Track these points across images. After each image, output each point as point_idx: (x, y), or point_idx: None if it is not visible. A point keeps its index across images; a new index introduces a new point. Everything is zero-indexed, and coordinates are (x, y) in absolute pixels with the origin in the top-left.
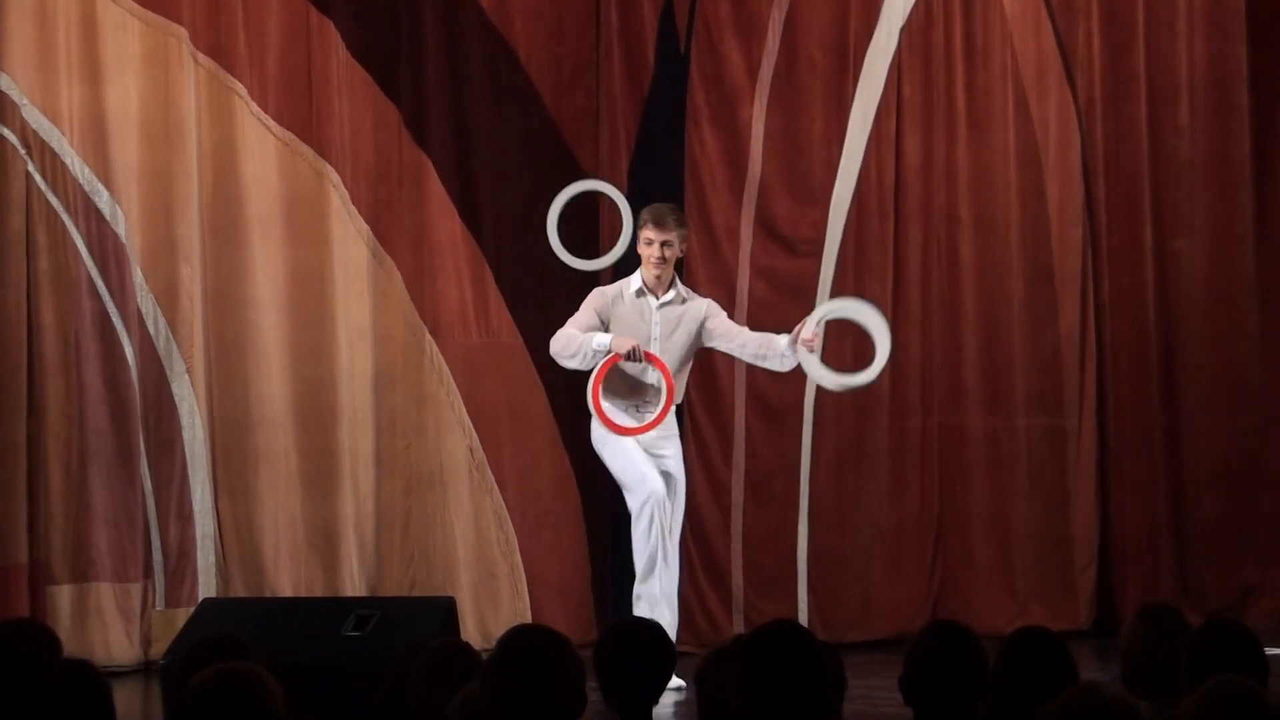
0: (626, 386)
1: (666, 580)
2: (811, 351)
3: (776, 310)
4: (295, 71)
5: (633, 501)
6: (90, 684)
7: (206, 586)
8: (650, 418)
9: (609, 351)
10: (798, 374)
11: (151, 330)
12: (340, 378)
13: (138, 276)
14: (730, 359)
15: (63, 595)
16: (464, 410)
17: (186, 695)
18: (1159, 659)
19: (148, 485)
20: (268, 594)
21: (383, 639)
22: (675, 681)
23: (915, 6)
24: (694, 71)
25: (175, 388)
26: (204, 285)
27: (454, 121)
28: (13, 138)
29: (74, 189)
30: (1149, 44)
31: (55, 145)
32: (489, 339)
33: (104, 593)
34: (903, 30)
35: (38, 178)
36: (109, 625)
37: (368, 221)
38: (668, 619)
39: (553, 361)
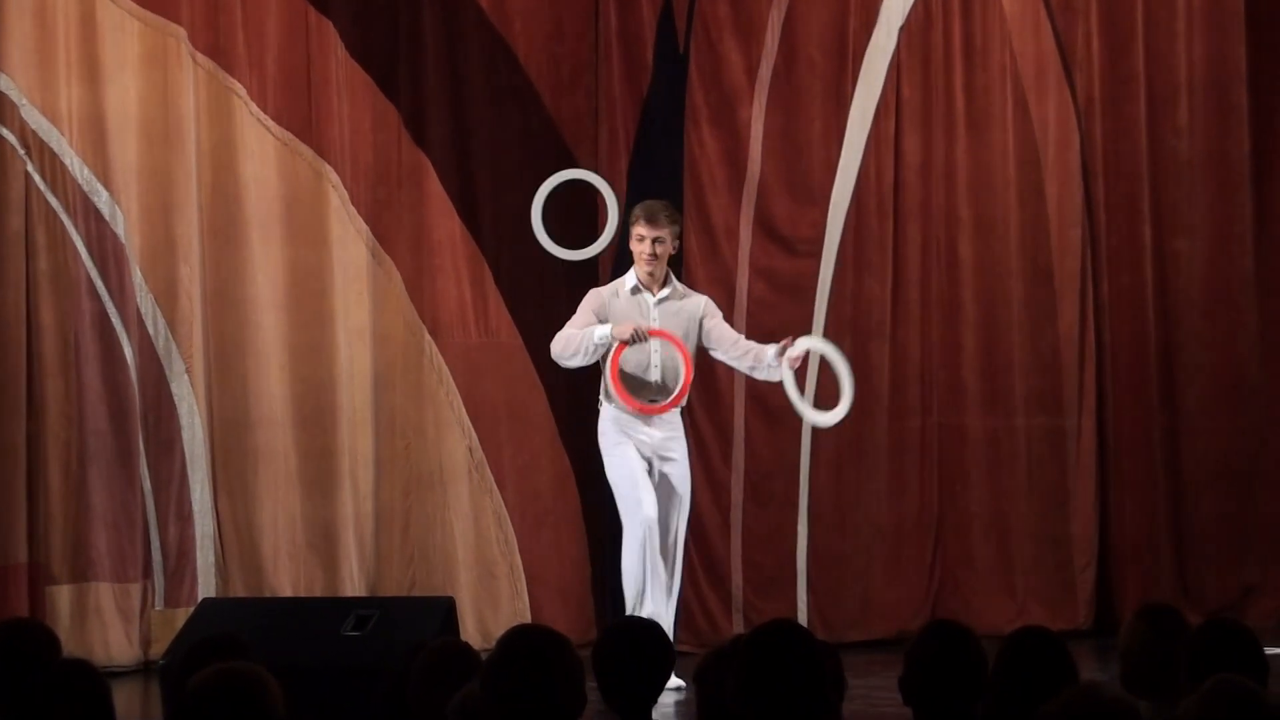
0: (630, 386)
1: (662, 587)
2: (792, 369)
3: (776, 310)
4: (294, 72)
5: (625, 522)
6: (90, 684)
7: (206, 586)
8: (658, 416)
9: (611, 340)
10: (796, 372)
11: (151, 330)
12: (340, 378)
13: (137, 277)
14: None
15: (62, 595)
16: (463, 410)
17: (186, 695)
18: (1158, 659)
19: (147, 485)
20: (267, 594)
21: (382, 639)
22: (675, 681)
23: (914, 6)
24: (693, 71)
25: (174, 388)
26: (203, 285)
27: (453, 122)
28: (12, 138)
29: (73, 189)
30: (1148, 44)
31: (54, 145)
32: (488, 339)
33: (103, 593)
34: (902, 30)
35: (37, 178)
36: (108, 625)
37: (367, 221)
38: (665, 617)
39: (552, 361)
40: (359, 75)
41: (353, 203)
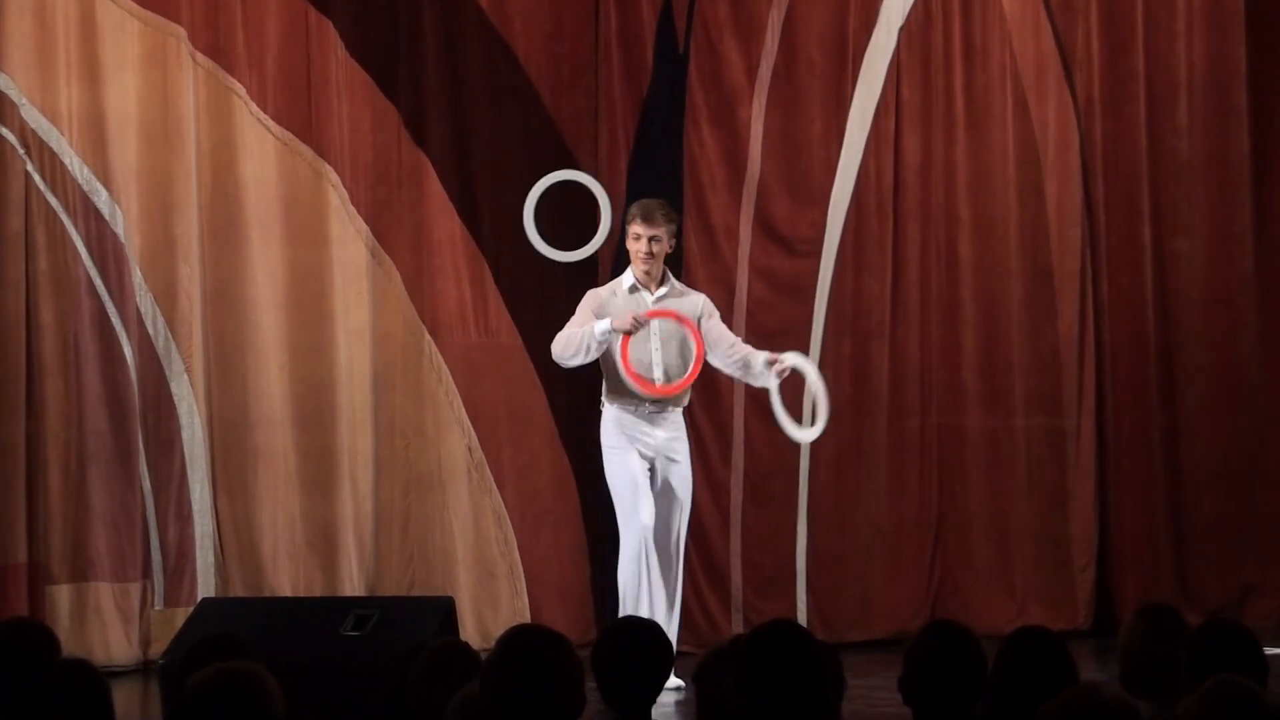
0: (634, 386)
1: (663, 598)
2: (778, 378)
3: (776, 310)
4: (294, 71)
5: (622, 529)
6: (89, 684)
7: (205, 586)
8: (661, 416)
9: (612, 333)
10: (796, 373)
11: (150, 330)
12: (339, 378)
13: (137, 276)
14: None
15: (62, 595)
16: (463, 410)
17: (185, 695)
18: (1158, 659)
19: (147, 485)
20: (267, 594)
21: (382, 639)
22: (674, 681)
23: (914, 6)
24: (693, 71)
25: (174, 387)
26: (203, 285)
27: (453, 122)
28: (12, 138)
29: (73, 189)
30: (1148, 44)
31: (54, 145)
32: (488, 339)
33: (103, 592)
34: (902, 30)
35: (37, 178)
36: (108, 625)
37: (367, 221)
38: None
39: (552, 361)
40: (359, 75)
41: (352, 203)
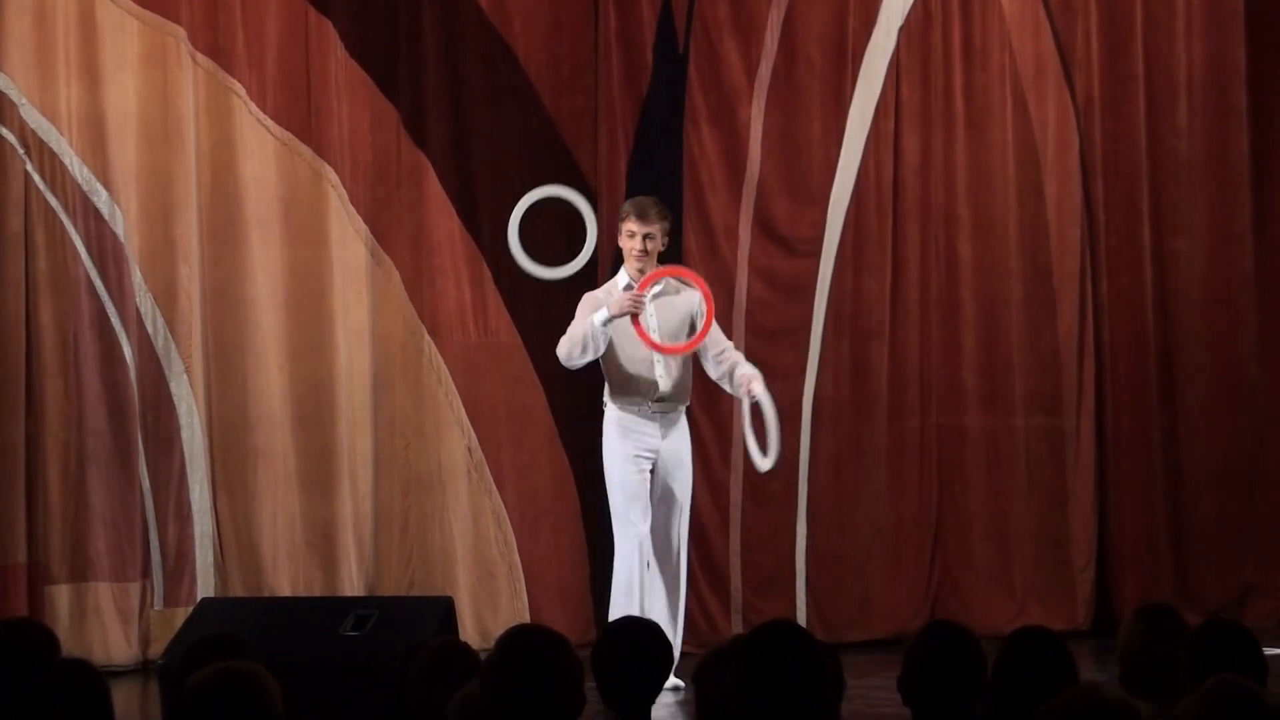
0: (636, 386)
1: (663, 604)
2: (749, 398)
3: (775, 310)
4: (294, 71)
5: (617, 534)
6: (89, 683)
7: (205, 586)
8: (663, 416)
9: (610, 321)
10: (795, 373)
11: (150, 330)
12: (339, 378)
13: (136, 276)
14: None
15: (61, 595)
16: (462, 410)
17: (185, 695)
18: (1157, 659)
19: (146, 485)
20: (266, 594)
21: (381, 639)
22: (674, 681)
23: (914, 6)
24: (692, 71)
25: (174, 387)
26: (202, 285)
27: (453, 122)
28: (11, 138)
29: (72, 189)
30: (1147, 44)
31: (54, 145)
32: (487, 339)
33: (102, 592)
34: (901, 30)
35: (36, 178)
36: (107, 625)
37: (366, 221)
38: (670, 626)
39: (551, 361)
40: (358, 75)
41: (352, 203)
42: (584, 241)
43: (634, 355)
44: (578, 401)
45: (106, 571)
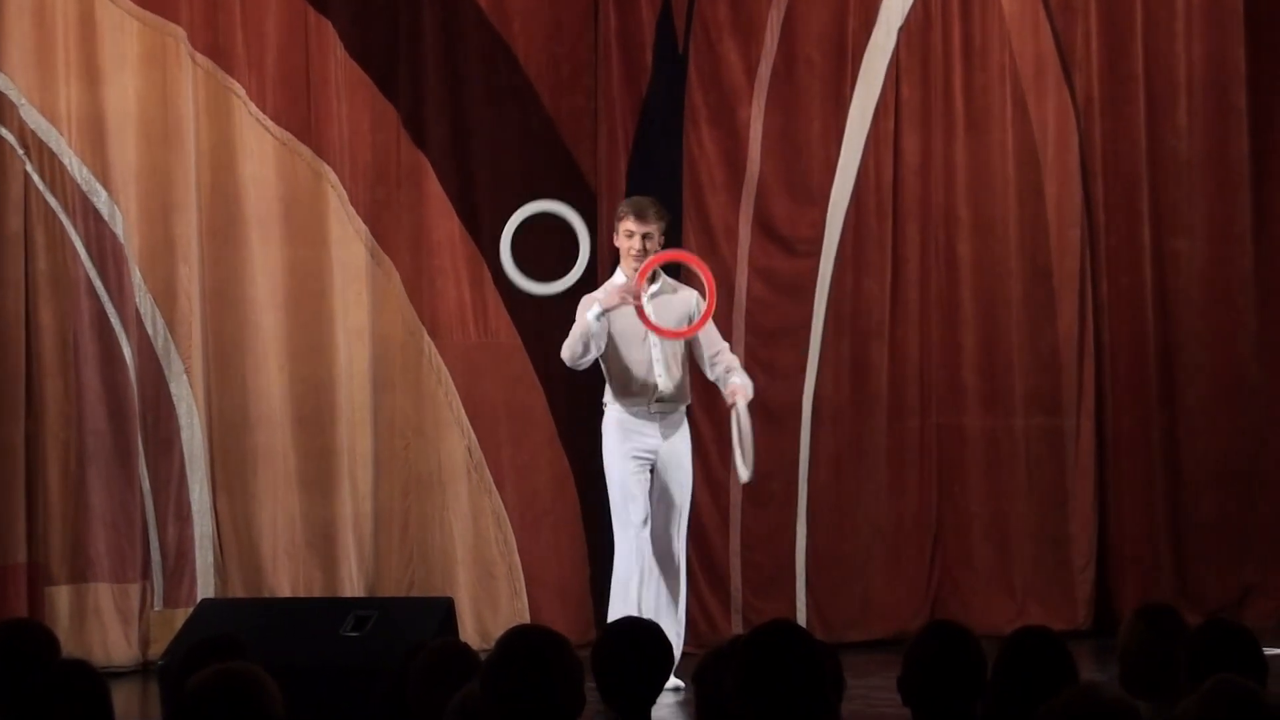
0: (636, 386)
1: (666, 604)
2: (730, 404)
3: (775, 310)
4: (293, 72)
5: (617, 533)
6: (88, 684)
7: (205, 587)
8: (663, 417)
9: (605, 314)
10: (795, 372)
11: (150, 330)
12: (339, 378)
13: (136, 277)
14: None
15: (61, 596)
16: (462, 410)
17: (185, 696)
18: (1157, 659)
19: (146, 485)
20: (266, 594)
21: (381, 639)
22: (674, 681)
23: (913, 6)
24: (692, 72)
25: (173, 388)
26: (202, 285)
27: (452, 122)
28: (11, 138)
29: (72, 189)
30: (1147, 44)
31: (53, 145)
32: (487, 339)
33: (102, 593)
34: (901, 30)
35: (36, 178)
36: (107, 626)
37: (366, 222)
38: (671, 627)
39: (551, 362)
40: (358, 75)
41: (352, 203)
42: (578, 251)
43: (634, 356)
44: (578, 402)
45: (106, 572)
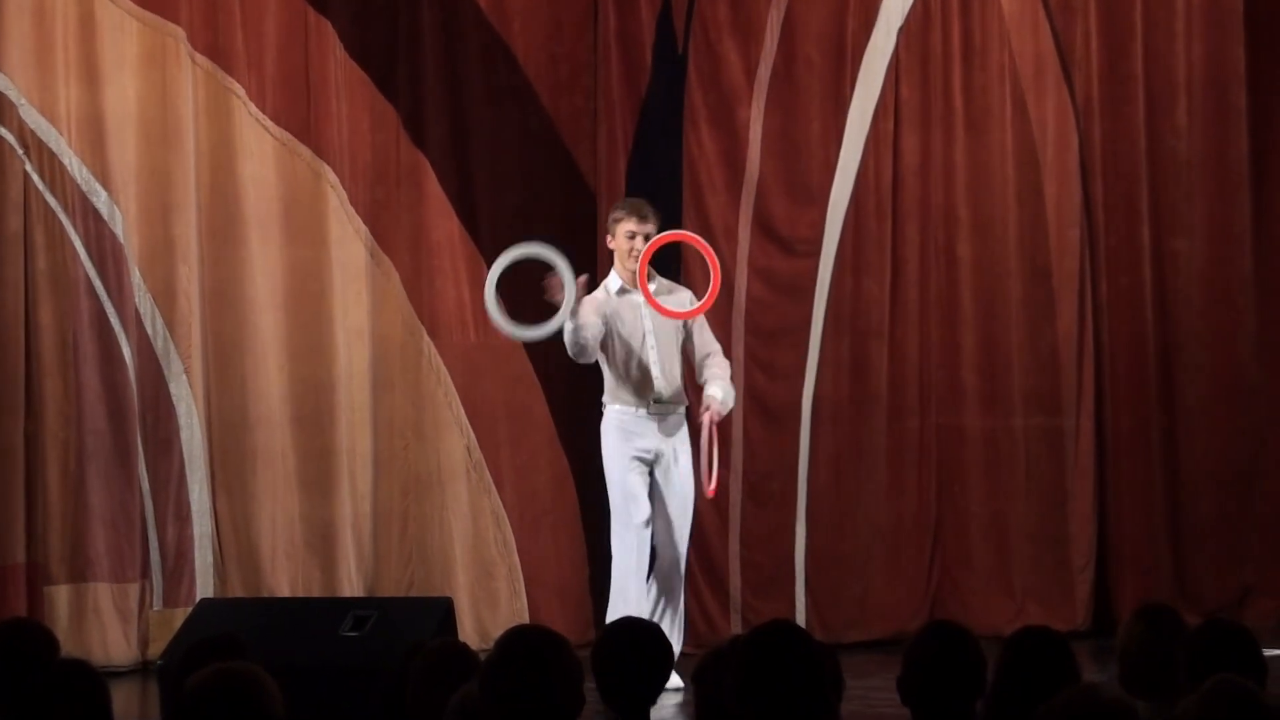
0: (634, 388)
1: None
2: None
3: (774, 310)
4: (293, 72)
5: (615, 540)
6: (88, 684)
7: (204, 586)
8: (662, 418)
9: (574, 314)
10: (795, 373)
11: (149, 330)
12: (338, 378)
13: (135, 277)
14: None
15: (60, 595)
16: (462, 410)
17: (184, 695)
18: (1157, 659)
19: (145, 485)
20: (265, 594)
21: (380, 639)
22: (674, 681)
23: (913, 7)
24: (692, 72)
25: (173, 388)
26: (202, 285)
27: (452, 122)
28: (10, 138)
29: (72, 189)
30: (1147, 44)
31: (53, 145)
32: (487, 339)
33: (102, 593)
34: (900, 30)
35: (35, 178)
36: (107, 625)
37: (365, 222)
38: (670, 627)
39: (550, 362)
40: (358, 75)
41: (351, 203)
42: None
43: (632, 358)
44: (577, 402)
45: (106, 572)
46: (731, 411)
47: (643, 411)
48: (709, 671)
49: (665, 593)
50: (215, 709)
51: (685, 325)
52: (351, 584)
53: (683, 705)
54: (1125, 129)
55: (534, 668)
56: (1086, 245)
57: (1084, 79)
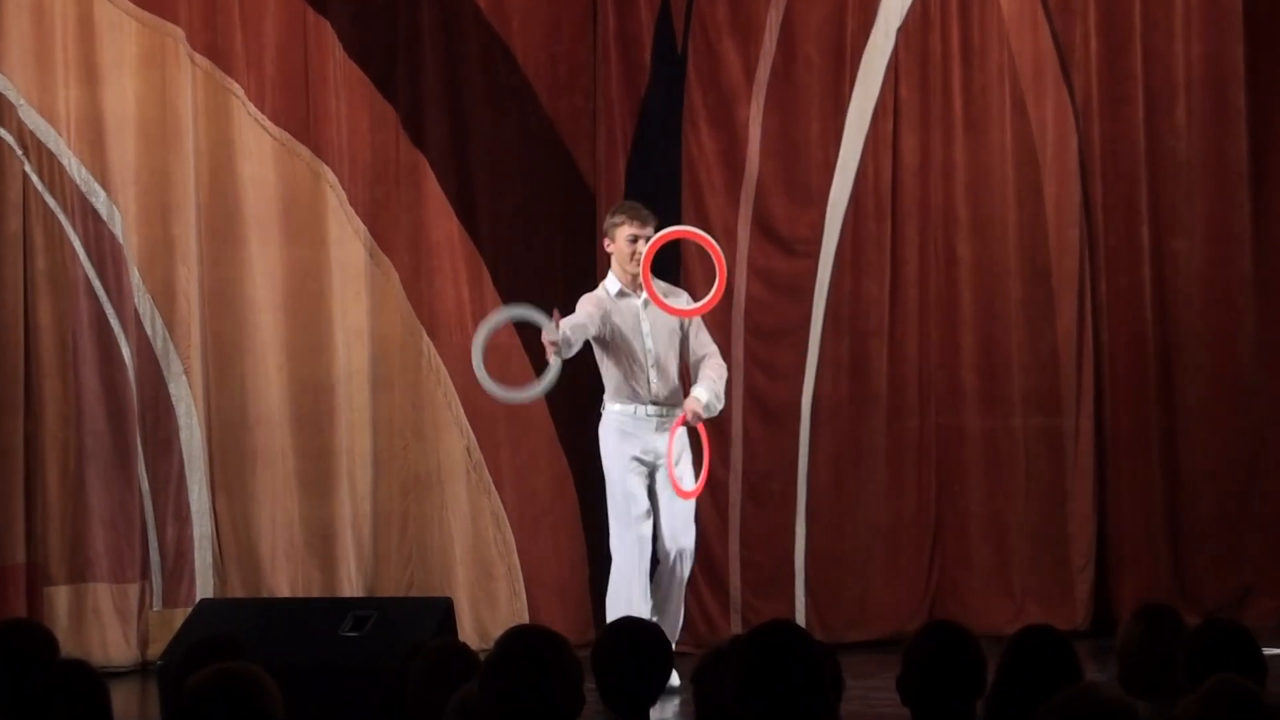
0: (632, 389)
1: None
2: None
3: (774, 310)
4: (292, 72)
5: (614, 543)
6: (88, 684)
7: (204, 587)
8: (662, 420)
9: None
10: (794, 372)
11: (149, 331)
12: (337, 378)
13: (135, 277)
14: (727, 357)
15: (60, 596)
16: (461, 410)
17: (184, 696)
18: (1156, 659)
19: (145, 486)
20: (265, 594)
21: (380, 639)
22: (674, 681)
23: (912, 7)
24: (691, 72)
25: (172, 388)
26: (201, 286)
27: (451, 122)
28: (10, 138)
29: (71, 189)
30: (1146, 44)
31: (52, 146)
32: None
33: (101, 593)
34: (900, 31)
35: (35, 178)
36: (106, 626)
37: (365, 222)
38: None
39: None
40: (357, 75)
41: (350, 203)
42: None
43: (631, 359)
44: (577, 402)
45: (105, 572)
46: (731, 411)
47: (642, 413)
48: (709, 671)
49: (665, 593)
50: (215, 709)
51: (683, 327)
52: (351, 584)
53: (683, 705)
54: (1124, 129)
55: (534, 668)
56: (1086, 245)
57: (1083, 79)
